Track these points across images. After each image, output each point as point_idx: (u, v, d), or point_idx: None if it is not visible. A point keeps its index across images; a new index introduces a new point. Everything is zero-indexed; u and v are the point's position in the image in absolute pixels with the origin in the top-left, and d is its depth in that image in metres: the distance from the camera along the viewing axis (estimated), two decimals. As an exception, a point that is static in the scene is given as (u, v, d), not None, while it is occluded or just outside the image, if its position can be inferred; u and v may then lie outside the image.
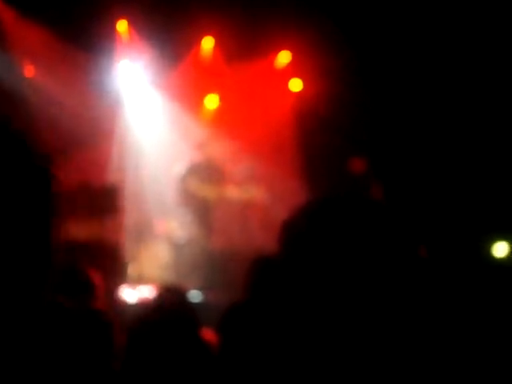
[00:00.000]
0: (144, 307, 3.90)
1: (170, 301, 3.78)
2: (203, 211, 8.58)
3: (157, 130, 10.00)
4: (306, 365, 1.32)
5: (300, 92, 10.42)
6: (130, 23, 9.99)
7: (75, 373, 3.06)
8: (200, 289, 7.41)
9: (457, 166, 9.12)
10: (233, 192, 8.71)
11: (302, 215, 1.39)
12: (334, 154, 9.29)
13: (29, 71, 9.75)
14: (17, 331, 1.13)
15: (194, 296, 7.07)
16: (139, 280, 8.38)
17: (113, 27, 9.91)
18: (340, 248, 1.30)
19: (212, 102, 10.43)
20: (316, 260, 1.30)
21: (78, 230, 7.85)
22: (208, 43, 10.34)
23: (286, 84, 10.51)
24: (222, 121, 9.95)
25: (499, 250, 8.35)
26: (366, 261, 1.29)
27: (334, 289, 1.29)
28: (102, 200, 7.86)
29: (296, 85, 10.46)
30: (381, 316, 1.28)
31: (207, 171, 8.61)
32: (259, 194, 8.92)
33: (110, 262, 6.94)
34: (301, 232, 1.35)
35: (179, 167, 8.65)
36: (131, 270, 8.40)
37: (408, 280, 1.34)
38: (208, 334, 3.92)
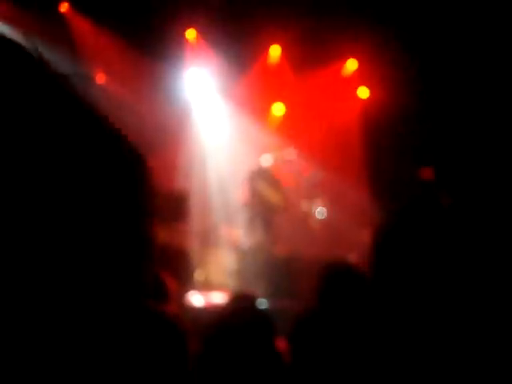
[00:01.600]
0: (217, 313, 3.92)
1: (244, 307, 3.79)
2: (268, 214, 8.60)
3: (224, 138, 10.09)
4: (379, 375, 1.32)
5: (367, 100, 10.38)
6: (198, 32, 10.13)
7: (150, 377, 3.09)
8: (266, 296, 7.42)
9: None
10: (297, 203, 8.75)
11: (396, 223, 1.39)
12: (401, 162, 9.20)
13: (100, 78, 9.98)
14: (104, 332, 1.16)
15: (262, 303, 7.09)
16: (205, 286, 8.46)
17: (182, 35, 10.07)
18: (429, 257, 1.30)
19: (279, 109, 10.47)
20: (407, 269, 1.30)
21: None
22: (275, 51, 10.40)
23: (353, 92, 10.48)
24: (289, 129, 9.97)
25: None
26: (451, 274, 1.28)
27: (414, 299, 1.29)
28: (170, 206, 7.96)
29: (363, 92, 10.42)
30: (461, 333, 1.27)
31: (274, 176, 8.66)
32: (322, 201, 8.90)
33: (178, 268, 7.02)
34: (387, 241, 1.36)
35: (249, 168, 8.71)
36: (198, 275, 8.48)
37: (487, 289, 1.33)
38: (281, 343, 3.91)
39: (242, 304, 4.06)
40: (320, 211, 8.86)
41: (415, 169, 8.44)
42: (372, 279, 1.39)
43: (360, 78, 10.39)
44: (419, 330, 1.29)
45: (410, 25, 9.31)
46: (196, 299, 7.45)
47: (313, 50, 9.83)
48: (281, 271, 7.82)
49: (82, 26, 9.84)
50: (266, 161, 8.78)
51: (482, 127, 9.32)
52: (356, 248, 7.94)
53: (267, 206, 8.54)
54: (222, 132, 10.19)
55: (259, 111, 10.16)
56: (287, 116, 10.37)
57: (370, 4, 9.22)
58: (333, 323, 3.64)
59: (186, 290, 7.16)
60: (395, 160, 9.37)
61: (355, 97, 10.45)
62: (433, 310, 1.28)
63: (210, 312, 6.13)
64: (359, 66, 10.34)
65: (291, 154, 8.95)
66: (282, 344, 3.88)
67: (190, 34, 10.17)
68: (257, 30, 9.67)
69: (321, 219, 9.04)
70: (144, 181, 1.21)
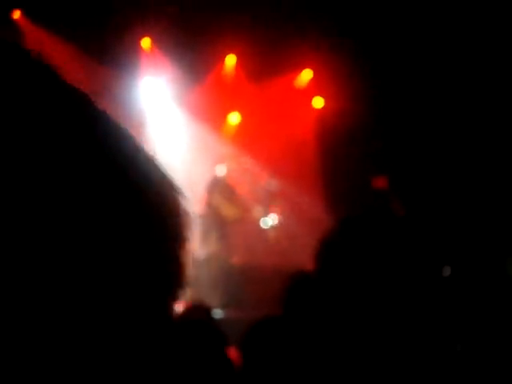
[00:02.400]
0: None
1: (196, 317, 3.78)
2: (223, 225, 8.60)
3: (179, 147, 10.05)
4: (330, 380, 1.33)
5: (322, 109, 10.47)
6: (153, 40, 10.09)
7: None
8: (221, 307, 7.39)
9: (478, 182, 9.10)
10: (253, 210, 8.74)
11: (338, 233, 1.41)
12: (356, 170, 9.30)
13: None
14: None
15: (216, 314, 7.06)
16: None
17: (136, 44, 10.01)
18: (373, 265, 1.32)
19: (234, 119, 10.48)
20: (349, 277, 1.32)
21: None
22: (230, 61, 10.42)
23: (308, 101, 10.56)
24: (244, 138, 9.99)
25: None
26: (397, 279, 1.30)
27: (362, 304, 1.31)
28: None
29: (318, 102, 10.51)
30: (406, 335, 1.29)
31: (229, 187, 8.65)
32: (278, 209, 8.92)
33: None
34: (338, 249, 1.38)
35: (204, 181, 8.68)
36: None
37: (431, 296, 1.36)
38: (232, 352, 3.90)
39: (193, 314, 4.05)
40: (270, 218, 8.87)
41: (370, 178, 8.54)
42: (317, 286, 1.40)
43: (315, 87, 10.47)
44: (365, 336, 1.30)
45: (364, 35, 9.43)
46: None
47: (268, 60, 9.87)
48: (236, 281, 7.81)
49: (35, 34, 9.71)
50: (221, 171, 8.77)
51: (437, 137, 9.48)
52: (311, 257, 7.96)
53: (222, 217, 8.53)
54: (177, 141, 10.15)
55: (215, 120, 10.16)
56: (243, 125, 10.39)
57: (325, 14, 9.30)
58: (284, 331, 3.64)
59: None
60: (350, 169, 9.46)
61: (310, 106, 10.53)
62: (373, 317, 1.29)
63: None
64: (314, 75, 10.43)
65: (246, 162, 8.97)
66: (234, 353, 3.87)
67: (145, 42, 10.12)
68: (212, 39, 9.67)
69: (275, 227, 9.05)
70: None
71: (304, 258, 8.23)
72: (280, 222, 9.03)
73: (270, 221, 8.86)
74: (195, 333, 3.60)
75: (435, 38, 9.14)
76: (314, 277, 1.46)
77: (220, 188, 8.60)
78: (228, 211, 8.56)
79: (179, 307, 6.68)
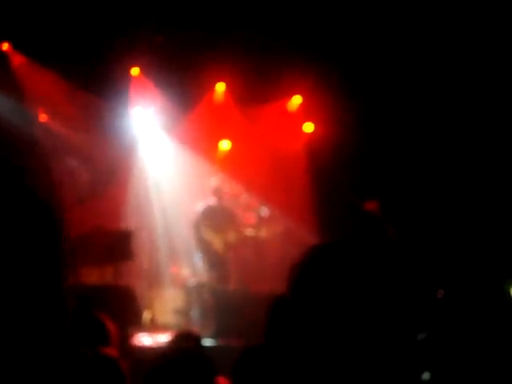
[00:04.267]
0: (159, 353, 3.86)
1: (185, 347, 3.75)
2: (216, 256, 8.58)
3: (171, 176, 10.04)
4: None
5: (311, 134, 10.51)
6: (143, 70, 10.14)
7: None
8: (213, 336, 7.32)
9: (472, 202, 9.12)
10: (246, 233, 8.74)
11: (310, 259, 1.41)
12: (347, 195, 9.30)
13: (43, 117, 9.87)
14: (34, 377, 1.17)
15: (208, 342, 6.99)
16: (153, 326, 8.33)
17: (127, 74, 10.05)
18: (344, 292, 1.31)
19: (225, 146, 10.51)
20: (321, 302, 1.32)
21: (92, 275, 7.84)
22: (220, 89, 10.47)
23: (298, 127, 10.60)
24: (235, 164, 10.00)
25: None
26: (371, 301, 1.30)
27: (340, 333, 1.30)
28: (117, 245, 7.86)
29: (308, 127, 10.56)
30: (393, 358, 1.29)
31: (221, 216, 8.63)
32: (272, 234, 8.91)
33: (125, 308, 6.90)
34: (308, 275, 1.38)
35: (194, 213, 8.67)
36: (145, 315, 8.35)
37: (424, 319, 1.36)
38: (221, 381, 3.87)
39: (183, 343, 4.01)
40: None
41: (361, 201, 8.54)
42: (298, 313, 1.40)
43: (305, 113, 10.52)
44: (352, 359, 1.29)
45: (352, 62, 9.51)
46: (143, 340, 7.32)
47: (257, 87, 9.93)
48: (228, 309, 7.74)
49: (24, 65, 9.74)
50: (211, 200, 8.78)
51: (426, 159, 9.52)
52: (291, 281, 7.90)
53: (209, 249, 8.54)
54: (168, 170, 10.14)
55: (206, 148, 10.17)
56: (233, 152, 10.41)
57: (313, 42, 9.38)
58: (272, 359, 3.62)
59: (133, 331, 7.04)
60: (341, 193, 9.46)
61: (300, 132, 10.57)
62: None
63: (155, 352, 6.03)
64: (304, 101, 10.48)
65: (237, 189, 8.97)
66: (223, 381, 3.83)
67: (135, 72, 10.16)
68: (202, 67, 9.73)
69: (267, 254, 9.03)
70: (56, 231, 1.36)
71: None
72: (272, 248, 9.01)
73: (260, 248, 8.85)
74: (184, 362, 3.57)
75: (421, 63, 9.23)
76: (296, 303, 1.45)
77: (211, 216, 8.58)
78: (218, 245, 8.56)
79: (167, 336, 6.64)
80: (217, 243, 8.55)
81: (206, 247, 8.54)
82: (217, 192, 8.81)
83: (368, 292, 1.31)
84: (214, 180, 9.12)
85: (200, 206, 8.74)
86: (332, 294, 1.32)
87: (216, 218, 8.62)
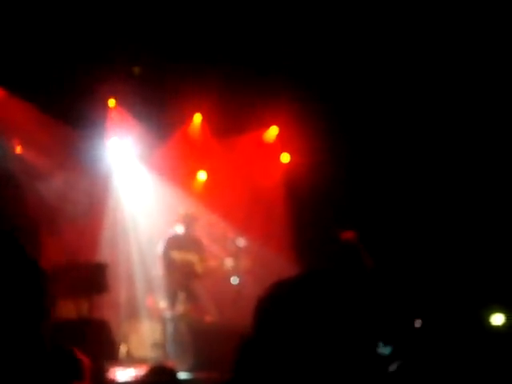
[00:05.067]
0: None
1: (160, 381, 3.68)
2: (190, 283, 8.51)
3: (146, 206, 9.99)
4: None
5: (288, 165, 10.54)
6: (119, 101, 10.13)
7: None
8: (190, 369, 7.21)
9: (449, 235, 9.16)
10: (214, 263, 8.70)
11: (274, 293, 1.41)
12: (324, 225, 9.30)
13: (18, 148, 9.80)
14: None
15: (184, 376, 6.89)
16: (129, 360, 8.20)
17: (103, 105, 10.03)
18: (304, 327, 1.31)
19: (202, 177, 10.50)
20: (284, 338, 1.31)
21: (66, 308, 7.72)
22: (197, 119, 10.49)
23: (274, 158, 10.63)
24: (213, 195, 9.98)
25: (496, 319, 8.31)
26: (338, 336, 1.29)
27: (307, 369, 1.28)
28: (92, 278, 7.76)
29: (285, 157, 10.60)
30: None
31: (187, 242, 8.63)
32: (249, 264, 8.86)
33: (100, 342, 6.79)
34: (270, 311, 1.38)
35: (160, 244, 8.66)
36: (121, 349, 8.22)
37: (402, 351, 1.34)
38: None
39: (159, 377, 3.94)
40: (237, 277, 8.75)
41: (338, 231, 8.53)
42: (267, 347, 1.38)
43: (282, 143, 10.56)
44: None
45: (328, 91, 9.58)
46: (118, 374, 7.19)
47: (234, 118, 9.98)
48: (205, 341, 7.65)
49: (-2, 97, 9.70)
50: (180, 228, 8.75)
51: (404, 188, 9.57)
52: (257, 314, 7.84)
53: (186, 273, 8.46)
54: (144, 201, 10.09)
55: (182, 179, 10.15)
56: (210, 182, 10.40)
57: (289, 73, 9.45)
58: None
59: (109, 365, 6.92)
60: (318, 223, 9.46)
61: (277, 162, 10.60)
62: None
63: (130, 387, 5.93)
64: (280, 132, 10.53)
65: (214, 220, 8.94)
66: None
67: (112, 103, 10.16)
68: (178, 98, 9.75)
69: (245, 284, 8.96)
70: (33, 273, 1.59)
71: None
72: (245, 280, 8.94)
73: (237, 279, 8.77)
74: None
75: (398, 90, 9.32)
76: (260, 341, 1.43)
77: (177, 242, 8.57)
78: (189, 258, 8.51)
79: (143, 370, 6.53)
80: (186, 257, 8.50)
81: (175, 270, 8.45)
82: (185, 219, 8.77)
83: (328, 327, 1.29)
84: (183, 208, 9.09)
85: (168, 234, 8.72)
86: (293, 330, 1.31)
87: (183, 246, 8.60)
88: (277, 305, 1.36)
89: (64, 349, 4.23)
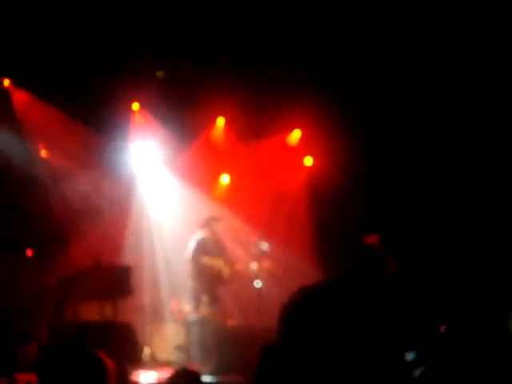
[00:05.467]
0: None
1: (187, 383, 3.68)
2: (215, 288, 8.50)
3: (169, 209, 10.02)
4: None
5: (311, 167, 10.51)
6: (143, 105, 10.19)
7: None
8: (213, 373, 7.21)
9: (475, 238, 9.08)
10: (241, 267, 8.67)
11: (299, 299, 1.40)
12: (347, 228, 9.27)
13: (43, 152, 9.90)
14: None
15: (208, 379, 6.89)
16: (153, 362, 8.23)
17: (127, 109, 10.09)
18: (332, 334, 1.30)
19: (225, 180, 10.51)
20: (309, 344, 1.30)
21: (90, 310, 7.78)
22: (220, 123, 10.51)
23: (297, 161, 10.61)
24: (236, 198, 9.98)
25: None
26: (362, 345, 1.28)
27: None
28: (116, 281, 7.80)
29: (308, 161, 10.58)
30: None
31: (214, 247, 8.60)
32: (272, 268, 8.83)
33: (124, 345, 6.82)
34: (295, 317, 1.37)
35: (190, 244, 8.61)
36: (145, 352, 8.26)
37: (428, 356, 1.34)
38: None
39: (184, 381, 3.95)
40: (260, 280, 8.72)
41: (362, 235, 8.50)
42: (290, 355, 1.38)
43: (304, 147, 10.54)
44: None
45: (351, 94, 9.56)
46: (142, 377, 7.22)
47: (257, 122, 9.98)
48: (229, 345, 7.65)
49: (25, 101, 9.80)
50: (207, 232, 8.72)
51: (427, 189, 9.51)
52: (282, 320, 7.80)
53: (214, 278, 8.44)
54: (168, 204, 10.13)
55: (205, 182, 10.17)
56: (234, 186, 10.41)
57: (312, 75, 9.44)
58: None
59: (132, 368, 6.95)
60: (341, 227, 9.43)
61: (300, 166, 10.58)
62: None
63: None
64: (303, 135, 10.51)
65: (237, 223, 8.93)
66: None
67: (136, 107, 10.22)
68: (202, 102, 9.78)
69: (267, 288, 8.94)
70: None
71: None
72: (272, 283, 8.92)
73: (260, 283, 8.75)
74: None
75: (418, 89, 9.26)
76: (286, 345, 1.43)
77: (206, 246, 8.54)
78: (217, 264, 8.48)
79: (166, 372, 6.55)
80: (214, 262, 8.47)
81: (203, 274, 8.44)
82: (208, 222, 8.72)
83: (353, 334, 1.29)
84: (206, 211, 9.08)
85: (194, 239, 8.69)
86: (318, 336, 1.30)
87: (210, 250, 8.57)
88: (302, 311, 1.36)
89: (88, 352, 4.26)
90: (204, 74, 9.44)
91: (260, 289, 8.75)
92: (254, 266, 8.61)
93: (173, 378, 4.09)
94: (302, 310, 1.36)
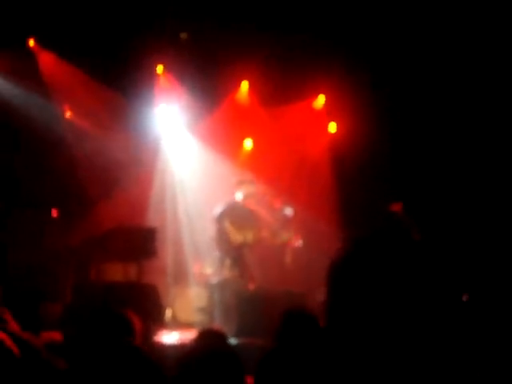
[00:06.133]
0: (186, 351, 3.84)
1: (213, 345, 3.72)
2: (238, 252, 8.52)
3: (194, 174, 10.05)
4: None
5: (335, 134, 10.47)
6: (168, 68, 10.16)
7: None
8: (234, 334, 7.30)
9: (497, 205, 9.04)
10: (267, 236, 8.64)
11: (348, 256, 1.39)
12: (371, 195, 9.26)
13: (68, 113, 9.94)
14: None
15: (231, 341, 6.97)
16: (175, 323, 8.34)
17: (151, 72, 10.08)
18: (385, 290, 1.29)
19: (248, 145, 10.50)
20: (362, 303, 1.30)
21: (115, 271, 7.87)
22: (244, 87, 10.47)
23: (321, 127, 10.57)
24: (258, 164, 9.97)
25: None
26: (410, 307, 1.28)
27: (380, 335, 1.28)
28: (140, 242, 7.87)
29: (331, 127, 10.53)
30: (422, 364, 1.27)
31: (241, 213, 8.56)
32: (294, 238, 8.83)
33: (148, 305, 6.91)
34: (347, 273, 1.36)
35: (216, 209, 8.60)
36: (167, 313, 8.36)
37: (450, 323, 1.34)
38: (249, 380, 3.84)
39: (211, 341, 3.99)
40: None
41: (385, 202, 8.50)
42: (328, 314, 1.38)
43: (328, 113, 10.49)
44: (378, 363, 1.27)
45: (376, 60, 9.47)
46: (166, 337, 7.33)
47: (281, 86, 9.93)
48: (250, 308, 7.72)
49: (50, 62, 9.81)
50: (234, 197, 8.69)
51: (452, 159, 9.45)
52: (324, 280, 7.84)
53: (235, 244, 8.46)
54: (191, 168, 10.15)
55: (229, 147, 10.17)
56: (257, 151, 10.40)
57: (336, 41, 9.35)
58: (291, 363, 3.60)
59: (157, 328, 7.05)
60: (365, 194, 9.42)
61: (324, 132, 10.53)
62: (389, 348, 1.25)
63: (180, 349, 6.03)
64: (327, 101, 10.45)
65: (261, 188, 8.90)
66: (249, 382, 3.82)
67: (160, 69, 10.20)
68: (226, 65, 9.73)
69: (291, 253, 8.96)
70: None
71: (318, 283, 8.15)
72: (297, 247, 8.93)
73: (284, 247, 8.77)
74: (214, 360, 3.55)
75: (447, 60, 9.16)
76: (311, 316, 1.42)
77: (232, 212, 8.52)
78: (238, 237, 8.48)
79: (190, 333, 6.62)
80: (234, 235, 8.48)
81: (225, 240, 8.46)
82: (240, 185, 8.65)
83: (407, 291, 1.29)
84: (238, 174, 9.05)
85: (226, 201, 8.64)
86: (374, 290, 1.29)
87: (237, 215, 8.53)
88: (354, 266, 1.35)
89: (116, 310, 4.32)
90: (228, 38, 9.38)
91: (284, 254, 8.79)
92: (279, 232, 8.60)
93: (198, 339, 4.13)
94: (352, 266, 1.35)
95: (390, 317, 1.27)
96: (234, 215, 8.50)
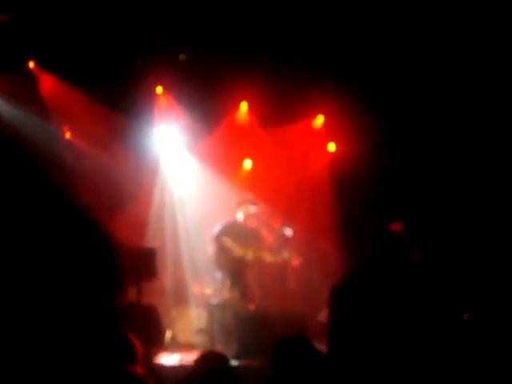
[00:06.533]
0: (188, 373, 3.83)
1: (215, 367, 3.70)
2: (238, 271, 8.50)
3: (193, 194, 10.05)
4: None
5: (334, 154, 10.50)
6: (167, 88, 10.21)
7: None
8: (235, 357, 7.25)
9: (499, 225, 9.03)
10: (267, 255, 8.62)
11: (351, 282, 1.41)
12: (370, 215, 9.26)
13: (68, 134, 9.97)
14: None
15: (232, 362, 6.93)
16: (175, 345, 8.30)
17: (151, 93, 10.12)
18: (389, 314, 1.31)
19: (248, 165, 10.52)
20: (366, 327, 1.31)
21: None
22: (243, 108, 10.51)
23: (320, 147, 10.60)
24: (258, 184, 9.99)
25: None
26: (412, 329, 1.30)
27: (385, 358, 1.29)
28: (140, 264, 7.84)
29: (331, 147, 10.57)
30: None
31: (242, 231, 8.56)
32: (294, 257, 8.83)
33: (148, 327, 6.88)
34: (350, 298, 1.38)
35: (216, 227, 8.61)
36: (167, 334, 8.32)
37: (451, 342, 1.36)
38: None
39: (213, 363, 3.97)
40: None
41: (384, 222, 8.49)
42: (330, 340, 1.40)
43: (327, 133, 10.52)
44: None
45: (372, 80, 9.52)
46: (166, 359, 7.29)
47: (280, 107, 9.97)
48: (249, 328, 7.68)
49: (50, 83, 9.86)
50: (235, 216, 8.70)
51: (450, 178, 9.47)
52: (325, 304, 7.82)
53: (236, 262, 8.44)
54: (191, 188, 10.17)
55: (228, 167, 10.19)
56: (256, 171, 10.42)
57: (334, 62, 9.41)
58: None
59: (156, 350, 7.01)
60: (364, 214, 9.42)
61: (323, 152, 10.56)
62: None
63: (180, 371, 6.01)
64: (326, 121, 10.49)
65: (260, 208, 8.90)
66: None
67: (159, 90, 10.25)
68: (225, 86, 9.78)
69: (291, 273, 8.95)
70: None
71: (319, 303, 8.14)
72: (297, 266, 8.93)
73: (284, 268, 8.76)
74: (216, 382, 3.53)
75: (444, 77, 9.21)
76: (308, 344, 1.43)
77: (232, 230, 8.52)
78: (240, 252, 8.47)
79: (192, 355, 6.59)
80: (238, 251, 8.46)
81: (225, 258, 8.44)
82: (241, 204, 8.66)
83: (403, 314, 1.31)
84: (241, 194, 9.07)
85: (226, 220, 8.64)
86: (373, 315, 1.31)
87: (237, 233, 8.53)
88: (355, 293, 1.37)
89: (118, 333, 4.31)
90: (227, 59, 9.43)
91: (283, 275, 8.78)
92: (278, 252, 8.59)
93: (199, 361, 4.11)
94: (354, 292, 1.37)
95: (394, 339, 1.29)
96: (235, 232, 8.51)
